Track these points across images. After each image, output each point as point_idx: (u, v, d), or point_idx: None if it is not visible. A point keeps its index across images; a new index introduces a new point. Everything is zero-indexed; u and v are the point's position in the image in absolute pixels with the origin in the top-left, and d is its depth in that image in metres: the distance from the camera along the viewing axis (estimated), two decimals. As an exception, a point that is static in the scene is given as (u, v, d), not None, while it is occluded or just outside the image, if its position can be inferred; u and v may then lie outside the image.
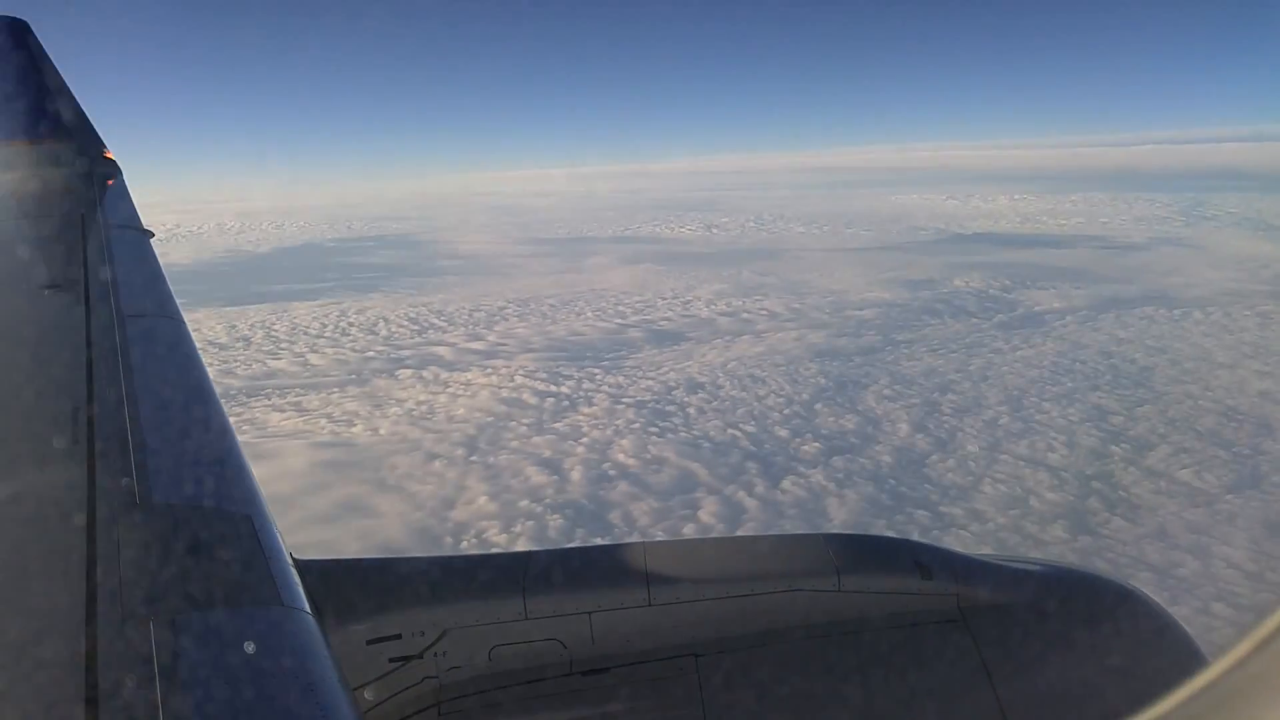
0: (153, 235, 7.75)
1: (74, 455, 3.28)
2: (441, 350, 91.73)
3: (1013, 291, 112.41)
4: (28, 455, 3.48)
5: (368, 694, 3.67)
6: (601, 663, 3.79)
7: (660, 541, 4.76)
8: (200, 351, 5.15)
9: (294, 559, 3.22)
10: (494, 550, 44.73)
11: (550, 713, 3.72)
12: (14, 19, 10.15)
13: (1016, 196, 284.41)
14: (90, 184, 8.70)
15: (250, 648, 2.48)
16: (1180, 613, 4.29)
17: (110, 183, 8.97)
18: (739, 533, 45.07)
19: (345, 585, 3.82)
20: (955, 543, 42.70)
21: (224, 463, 3.65)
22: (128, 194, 8.92)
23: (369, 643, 3.72)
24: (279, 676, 2.45)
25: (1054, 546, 41.54)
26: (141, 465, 3.25)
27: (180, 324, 5.32)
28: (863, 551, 4.21)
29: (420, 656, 3.75)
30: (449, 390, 75.47)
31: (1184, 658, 3.82)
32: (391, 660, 3.73)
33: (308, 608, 2.83)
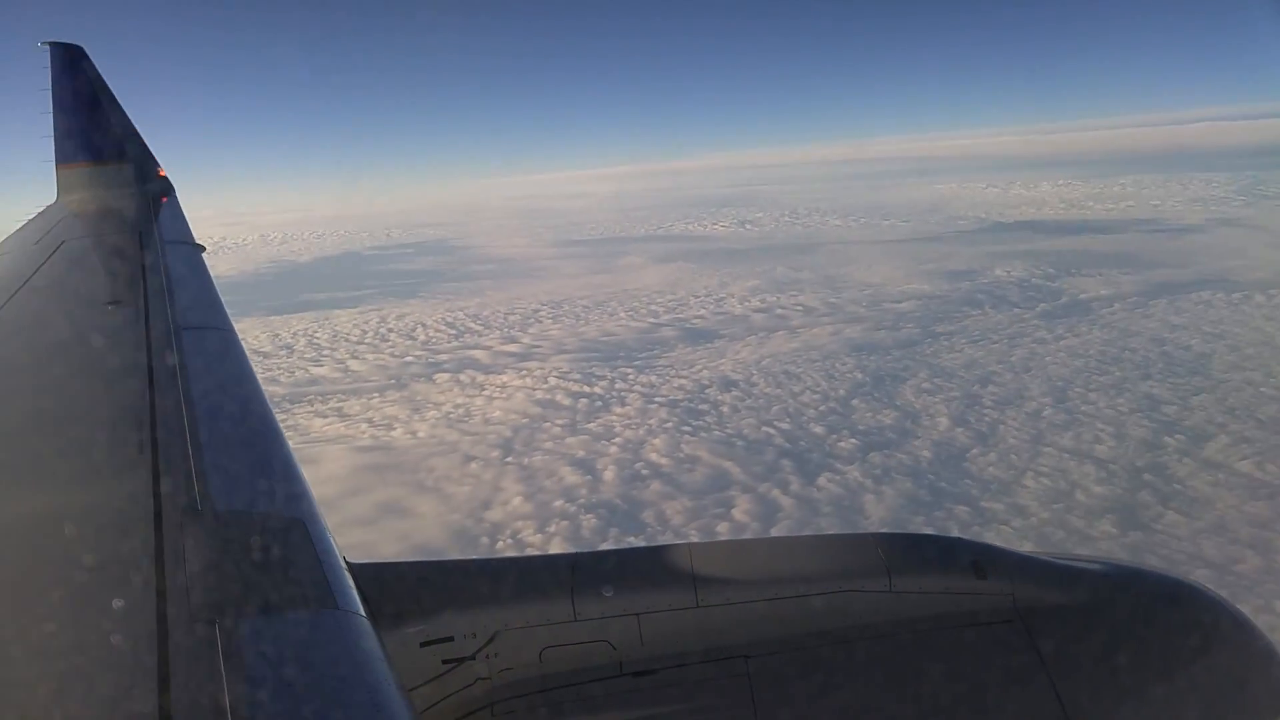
0: (204, 249, 8.09)
1: (139, 464, 3.42)
2: (478, 354, 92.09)
3: (1057, 279, 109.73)
4: (97, 465, 3.63)
5: (421, 695, 3.68)
6: (651, 664, 3.76)
7: (706, 543, 4.35)
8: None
9: (347, 562, 3.25)
10: (532, 551, 44.42)
11: (601, 713, 3.70)
12: (70, 45, 10.50)
13: (1060, 182, 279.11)
14: (146, 202, 9.34)
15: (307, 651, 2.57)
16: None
17: (164, 200, 9.60)
18: (773, 531, 44.19)
19: (398, 588, 3.86)
20: (997, 539, 41.34)
21: (278, 469, 3.75)
22: (180, 210, 9.42)
23: (422, 645, 3.75)
24: (337, 678, 2.48)
25: (1103, 542, 39.95)
26: (201, 473, 3.36)
27: (232, 335, 5.52)
28: (914, 551, 4.10)
29: (473, 658, 3.78)
30: (485, 393, 75.61)
31: (1255, 654, 3.68)
32: (445, 662, 3.76)
33: (362, 611, 2.86)
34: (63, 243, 7.97)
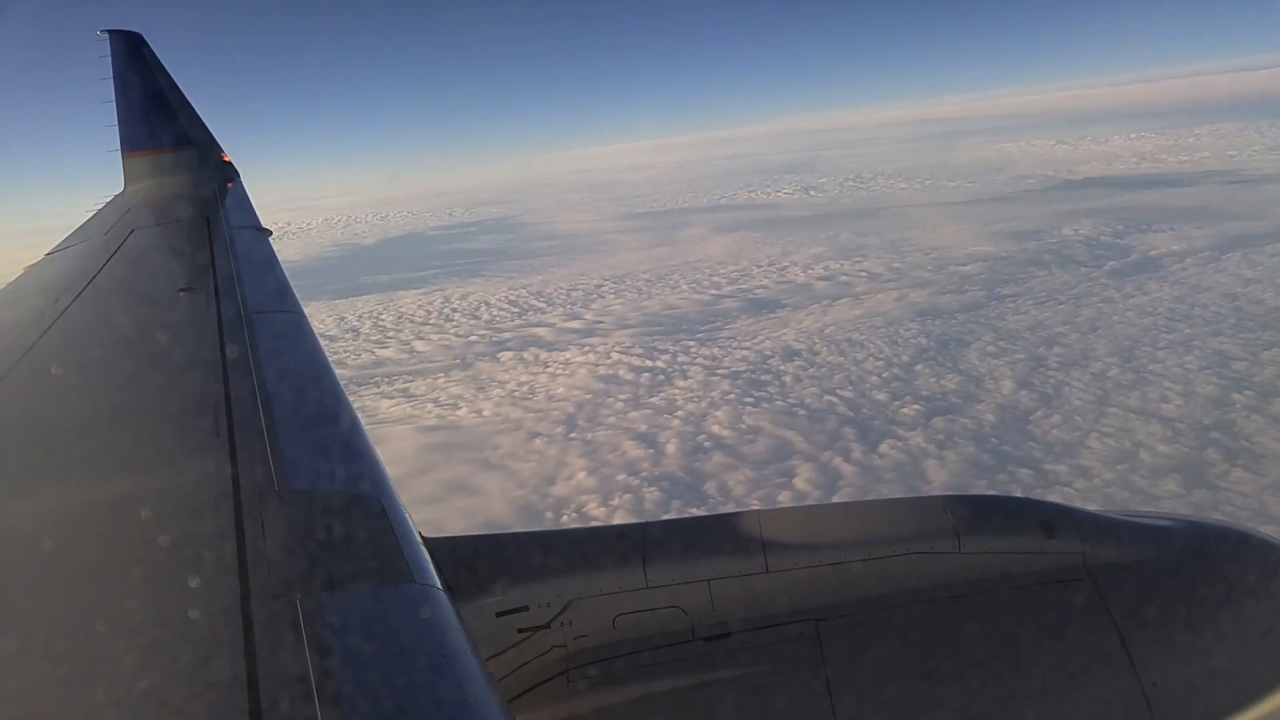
0: (270, 234, 8.22)
1: (217, 447, 3.52)
2: (541, 331, 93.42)
3: (1126, 236, 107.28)
4: (175, 449, 3.75)
5: (498, 664, 3.79)
6: (723, 629, 3.84)
7: (774, 509, 4.85)
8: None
9: (423, 537, 3.34)
10: (597, 524, 45.53)
11: (675, 678, 3.77)
12: (129, 33, 10.62)
13: (1133, 135, 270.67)
14: (212, 188, 9.39)
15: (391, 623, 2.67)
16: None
17: (230, 185, 9.64)
18: (835, 499, 44.75)
19: (473, 561, 3.97)
20: (1059, 500, 41.27)
21: (352, 448, 3.82)
22: (246, 195, 9.47)
23: (498, 615, 3.87)
24: (417, 649, 2.55)
25: (1166, 501, 39.81)
26: (278, 454, 3.44)
27: (301, 318, 5.59)
28: (982, 512, 4.11)
29: (548, 626, 3.88)
30: (548, 370, 76.96)
31: None
32: (520, 631, 3.87)
33: (439, 584, 2.94)
34: (132, 231, 8.12)
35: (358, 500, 3.33)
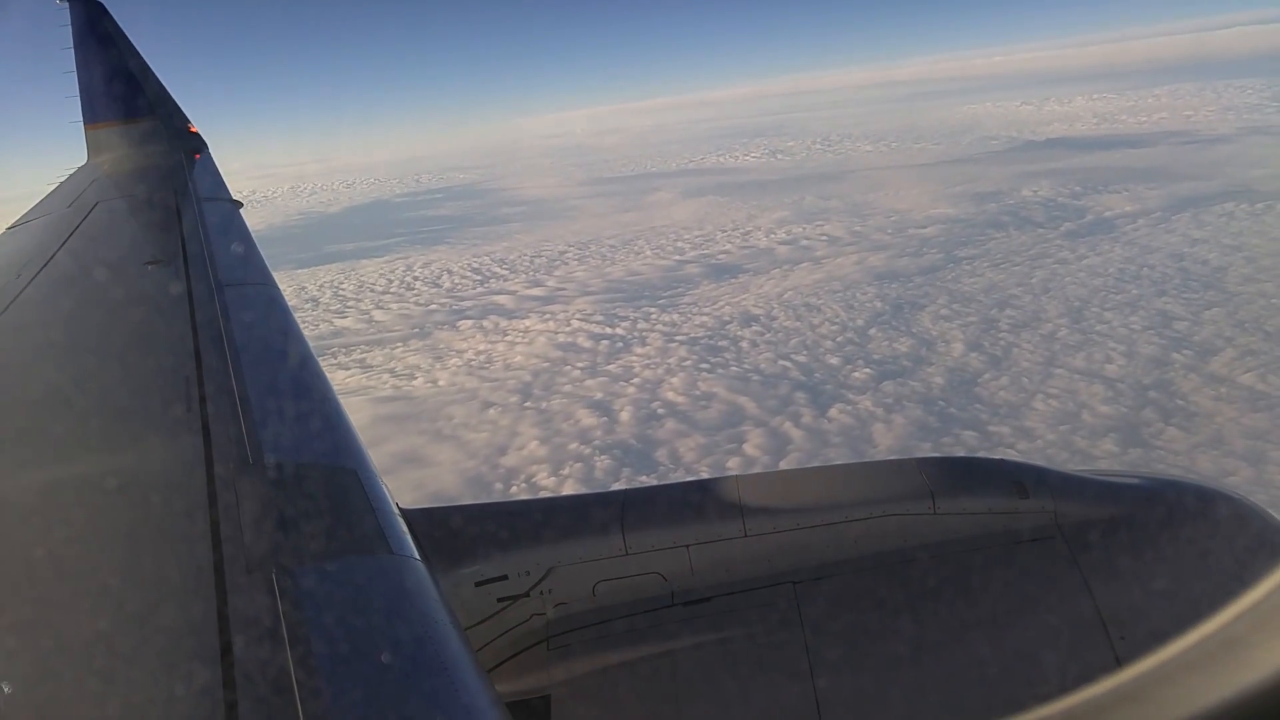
0: (241, 205, 8.09)
1: (189, 421, 3.53)
2: (502, 299, 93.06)
3: (1082, 197, 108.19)
4: (148, 423, 3.76)
5: (478, 633, 3.79)
6: (702, 593, 3.88)
7: (752, 474, 5.11)
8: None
9: (400, 508, 3.36)
10: (545, 495, 46.05)
11: (655, 643, 3.79)
12: (90, 2, 10.29)
13: (1095, 96, 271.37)
14: (179, 159, 9.21)
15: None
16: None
17: (197, 156, 9.47)
18: (782, 464, 45.38)
19: (452, 531, 3.96)
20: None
21: (327, 419, 3.86)
22: (215, 166, 9.36)
23: (478, 584, 3.88)
24: (394, 620, 2.55)
25: (1103, 460, 40.57)
26: (251, 426, 3.44)
27: (274, 289, 5.57)
28: (956, 473, 4.20)
29: (527, 595, 3.90)
30: (507, 339, 76.85)
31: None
32: (500, 600, 3.89)
33: (416, 555, 2.95)
34: (97, 204, 7.95)
35: (334, 472, 3.34)
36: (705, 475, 45.69)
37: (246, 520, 2.79)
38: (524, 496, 43.39)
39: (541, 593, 3.90)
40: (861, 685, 3.66)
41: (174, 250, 6.07)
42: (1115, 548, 3.79)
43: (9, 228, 8.14)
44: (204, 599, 2.41)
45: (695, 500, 4.16)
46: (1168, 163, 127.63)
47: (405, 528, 3.14)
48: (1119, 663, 3.41)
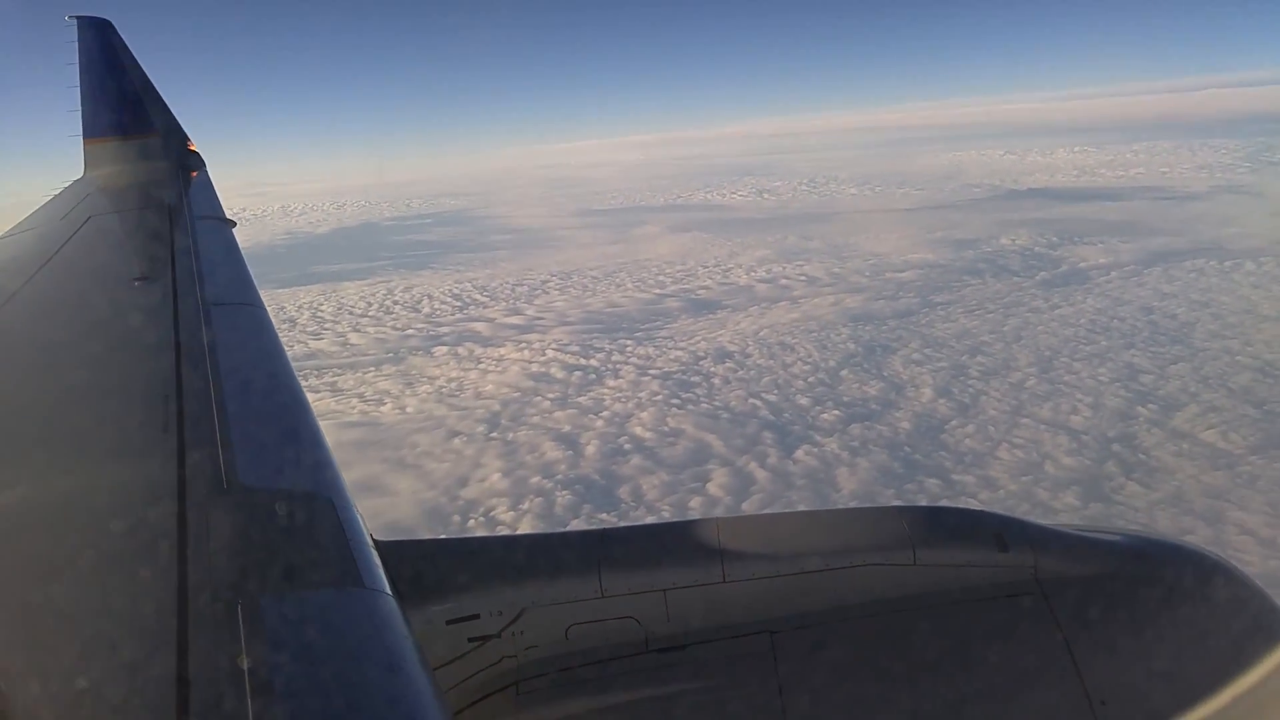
0: (234, 225, 8.02)
1: (164, 442, 3.43)
2: (480, 326, 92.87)
3: (1059, 248, 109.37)
4: (122, 443, 3.67)
5: (447, 673, 3.70)
6: (677, 640, 3.78)
7: (733, 517, 4.77)
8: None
9: (375, 540, 3.26)
10: (503, 530, 45.56)
11: (627, 690, 3.68)
12: (97, 19, 10.41)
13: (1076, 149, 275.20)
14: (176, 176, 9.14)
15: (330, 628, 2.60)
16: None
17: (194, 175, 9.38)
18: (745, 505, 45.19)
19: (425, 566, 3.83)
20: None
21: (306, 447, 3.76)
22: (211, 185, 9.25)
23: (448, 623, 3.75)
24: (361, 656, 2.50)
25: (1064, 514, 40.69)
26: (228, 451, 3.35)
27: (261, 311, 5.50)
28: (938, 524, 4.09)
29: (499, 636, 3.78)
30: (480, 366, 76.50)
31: (1275, 632, 3.68)
32: (470, 640, 3.77)
33: (388, 589, 2.87)
34: (89, 218, 7.89)
35: (308, 499, 3.26)
36: (673, 516, 45.90)
37: (215, 546, 2.73)
38: (502, 533, 43.45)
39: (513, 634, 3.78)
40: None
41: (163, 267, 5.99)
42: (1097, 608, 3.73)
43: None
44: (164, 626, 2.34)
45: (674, 542, 4.05)
46: (1142, 217, 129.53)
47: (378, 561, 3.05)
48: None
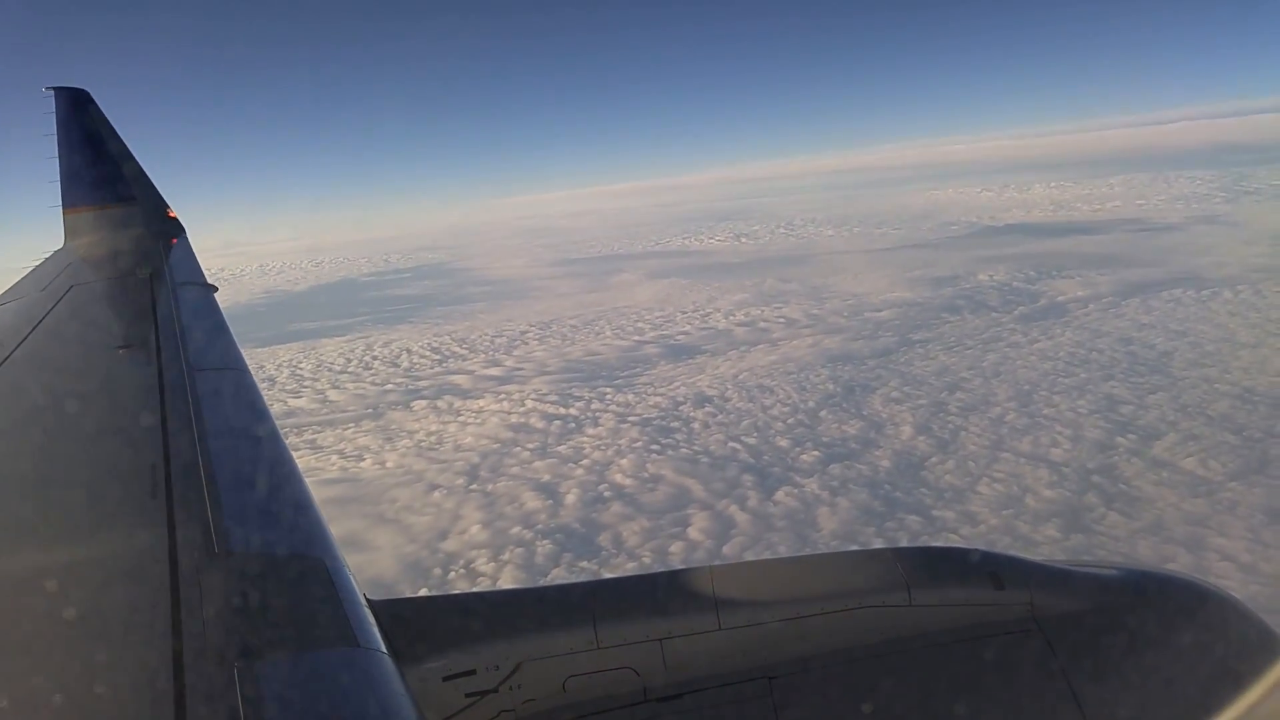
0: (215, 289, 8.09)
1: (154, 508, 3.44)
2: (459, 379, 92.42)
3: (1037, 282, 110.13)
4: (112, 511, 3.65)
5: None
6: (675, 689, 3.77)
7: (726, 565, 4.58)
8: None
9: (367, 599, 3.26)
10: (484, 581, 44.89)
11: None
12: (75, 90, 10.49)
13: (1053, 184, 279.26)
14: (156, 244, 9.24)
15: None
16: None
17: (174, 241, 9.48)
18: (725, 549, 44.66)
19: (419, 623, 3.85)
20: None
21: (295, 508, 3.76)
22: (191, 251, 9.34)
23: (445, 679, 3.73)
24: (360, 716, 2.46)
25: (1044, 547, 40.32)
26: (218, 515, 3.36)
27: (246, 374, 5.53)
28: (932, 563, 4.13)
29: (496, 690, 3.75)
30: (460, 419, 75.96)
31: (1274, 660, 3.69)
32: (468, 695, 3.74)
33: (383, 648, 2.86)
34: (71, 287, 7.95)
35: (299, 561, 3.25)
36: (654, 562, 45.43)
37: (210, 611, 2.72)
38: (486, 586, 42.88)
39: (511, 688, 3.76)
40: None
41: (146, 335, 6.06)
42: (1096, 642, 3.73)
43: None
44: (162, 693, 2.34)
45: (668, 592, 4.05)
46: (1120, 249, 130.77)
47: (372, 619, 3.05)
48: None
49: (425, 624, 3.87)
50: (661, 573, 4.49)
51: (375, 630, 2.96)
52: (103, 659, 2.63)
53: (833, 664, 3.78)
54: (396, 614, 3.74)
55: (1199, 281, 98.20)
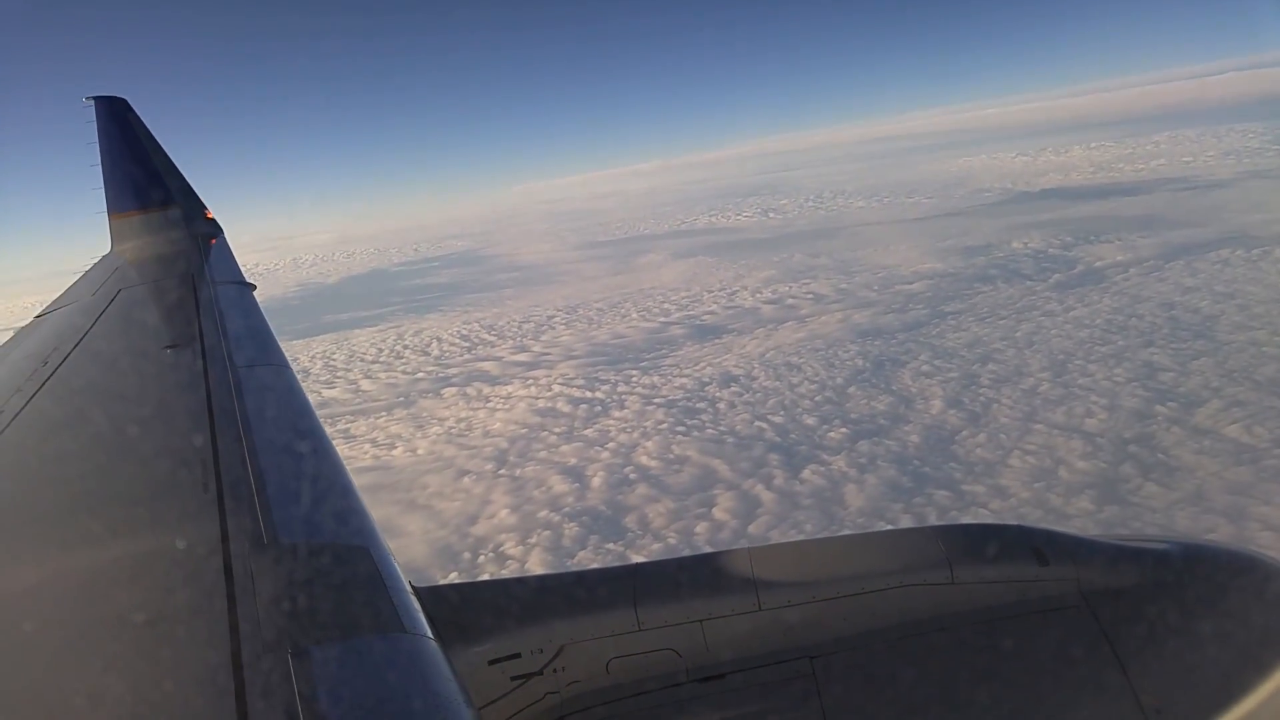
0: (254, 287, 8.36)
1: (206, 503, 3.52)
2: (488, 365, 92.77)
3: (1073, 248, 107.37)
4: (166, 507, 3.74)
5: (492, 712, 3.75)
6: (717, 669, 3.80)
7: (765, 546, 4.51)
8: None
9: (413, 586, 3.32)
10: (512, 564, 44.72)
11: None
12: (114, 98, 10.87)
13: (1092, 145, 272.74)
14: (196, 245, 9.63)
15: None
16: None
17: (213, 242, 9.87)
18: (751, 528, 44.03)
19: (464, 609, 3.93)
20: (971, 521, 40.74)
21: (340, 498, 3.84)
22: (229, 250, 9.77)
23: (490, 663, 3.81)
24: (410, 700, 2.52)
25: (1078, 520, 39.09)
26: (266, 508, 3.44)
27: (287, 369, 5.70)
28: (974, 541, 4.07)
29: (540, 673, 3.82)
30: (489, 405, 76.17)
31: None
32: (513, 679, 3.82)
33: (430, 633, 2.91)
34: (120, 291, 8.27)
35: (347, 551, 3.30)
36: (679, 543, 44.95)
37: (262, 601, 2.79)
38: (520, 570, 42.83)
39: (555, 670, 3.83)
40: None
41: (191, 334, 6.24)
42: (1144, 617, 3.66)
43: (37, 315, 8.49)
44: (222, 681, 2.41)
45: (708, 574, 4.08)
46: (1164, 210, 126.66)
47: (418, 606, 3.10)
48: None
49: (470, 610, 3.93)
50: (700, 555, 4.54)
51: (422, 617, 3.00)
52: (163, 651, 2.68)
53: (875, 643, 3.75)
54: (441, 600, 3.84)
55: (1248, 240, 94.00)
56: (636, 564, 4.30)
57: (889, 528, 40.16)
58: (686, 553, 44.22)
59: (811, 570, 3.97)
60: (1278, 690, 3.38)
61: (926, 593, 3.81)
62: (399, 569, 3.30)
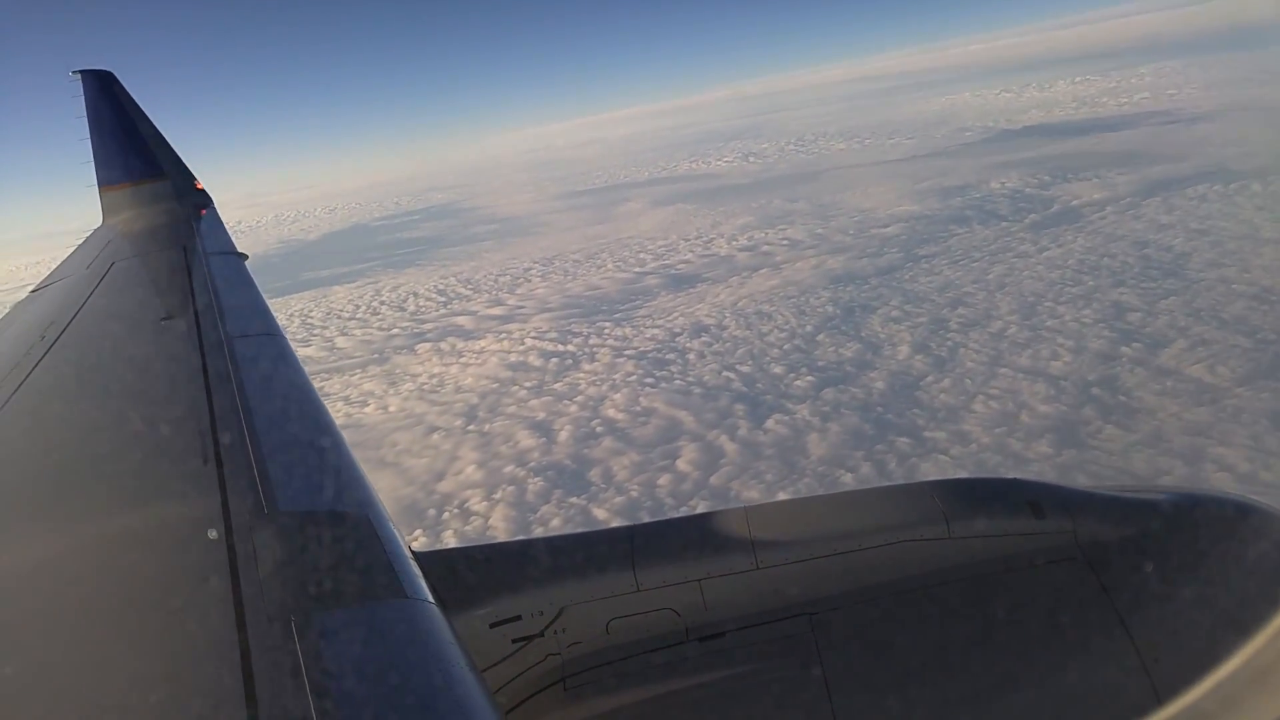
0: (246, 257, 8.30)
1: (205, 472, 3.53)
2: (462, 320, 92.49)
3: (1051, 187, 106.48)
4: (165, 477, 3.77)
5: (494, 675, 3.78)
6: (716, 628, 3.83)
7: (762, 504, 4.66)
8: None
9: (413, 552, 3.33)
10: (477, 521, 44.74)
11: (671, 680, 3.74)
12: (101, 71, 10.82)
13: (1077, 79, 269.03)
14: (187, 215, 9.64)
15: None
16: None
17: (204, 212, 9.86)
18: (713, 479, 44.03)
19: (464, 573, 3.96)
20: (934, 469, 40.75)
21: (338, 466, 3.85)
22: (220, 220, 9.73)
23: (491, 626, 3.85)
24: (414, 664, 2.54)
25: (1035, 464, 39.13)
26: (265, 476, 3.44)
27: (281, 338, 5.68)
28: (970, 495, 4.07)
29: (541, 635, 3.87)
30: (461, 360, 75.98)
31: None
32: (514, 641, 3.86)
33: (431, 598, 2.93)
34: (113, 264, 8.29)
35: (346, 518, 3.33)
36: (641, 496, 44.92)
37: (264, 570, 2.81)
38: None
39: (555, 632, 3.87)
40: (885, 717, 3.55)
41: (185, 305, 6.27)
42: (1142, 568, 3.66)
43: (33, 290, 8.55)
44: (227, 649, 2.43)
45: (705, 533, 4.10)
46: (1145, 145, 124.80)
47: (418, 571, 3.10)
48: (1155, 690, 3.33)
49: (470, 573, 3.97)
50: (697, 515, 4.52)
51: (423, 582, 3.02)
52: (167, 620, 2.70)
53: (873, 599, 3.77)
54: (442, 565, 3.86)
55: (1226, 174, 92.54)
56: (634, 525, 4.34)
57: (883, 485, 40.09)
58: (648, 507, 44.48)
59: (808, 528, 3.98)
60: (1276, 637, 3.36)
61: (923, 548, 3.82)
62: (399, 534, 3.32)
